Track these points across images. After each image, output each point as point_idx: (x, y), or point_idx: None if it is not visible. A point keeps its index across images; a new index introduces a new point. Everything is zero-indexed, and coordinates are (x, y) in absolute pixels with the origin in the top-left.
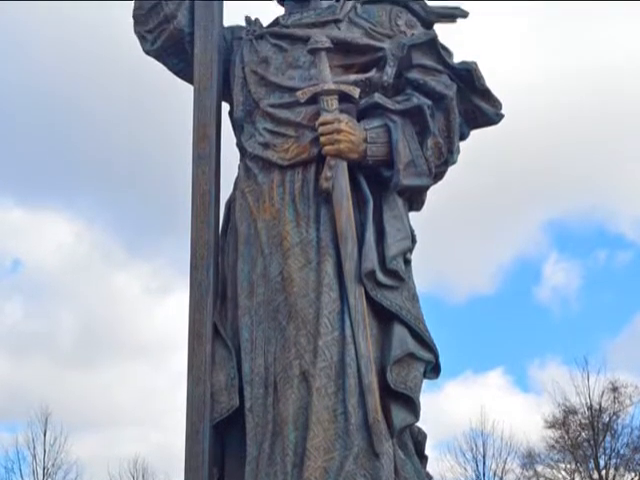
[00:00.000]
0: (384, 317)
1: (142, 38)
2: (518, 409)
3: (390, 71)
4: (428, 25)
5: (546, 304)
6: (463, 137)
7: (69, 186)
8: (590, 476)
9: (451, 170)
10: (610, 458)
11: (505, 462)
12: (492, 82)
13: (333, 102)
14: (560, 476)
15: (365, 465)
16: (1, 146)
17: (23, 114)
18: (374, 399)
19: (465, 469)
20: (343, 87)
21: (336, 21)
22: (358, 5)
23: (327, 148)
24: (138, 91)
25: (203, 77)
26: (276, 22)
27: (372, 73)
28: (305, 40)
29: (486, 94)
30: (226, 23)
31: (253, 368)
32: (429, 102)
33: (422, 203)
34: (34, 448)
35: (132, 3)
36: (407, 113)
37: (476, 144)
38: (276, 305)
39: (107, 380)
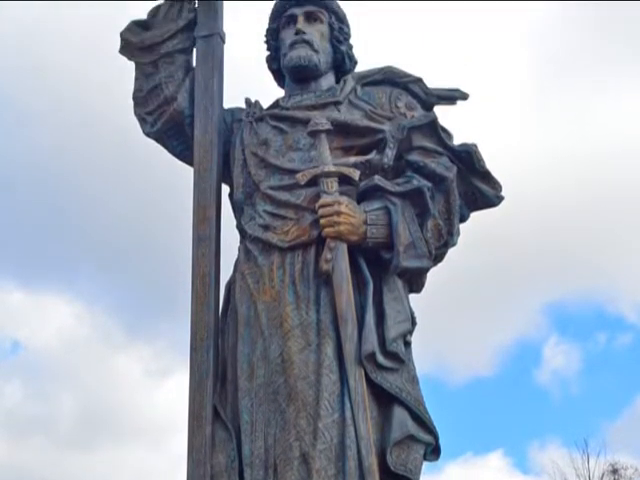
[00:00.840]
0: (384, 399)
1: (142, 120)
2: None
3: (390, 153)
4: (428, 107)
5: (546, 386)
6: (463, 219)
7: (69, 268)
8: None
9: (451, 252)
10: None
11: None
12: (492, 164)
13: (333, 184)
14: None
15: None
16: (2, 229)
17: (22, 194)
18: None
19: None
20: (343, 169)
21: (336, 103)
22: (358, 87)
23: (327, 230)
24: (138, 174)
25: (203, 159)
26: (276, 104)
27: (372, 155)
28: (305, 122)
29: (486, 176)
30: (226, 105)
31: (253, 450)
32: (429, 184)
33: (422, 285)
34: None
35: (131, 80)
36: (407, 195)
37: (476, 226)
38: (276, 387)
39: (107, 462)
